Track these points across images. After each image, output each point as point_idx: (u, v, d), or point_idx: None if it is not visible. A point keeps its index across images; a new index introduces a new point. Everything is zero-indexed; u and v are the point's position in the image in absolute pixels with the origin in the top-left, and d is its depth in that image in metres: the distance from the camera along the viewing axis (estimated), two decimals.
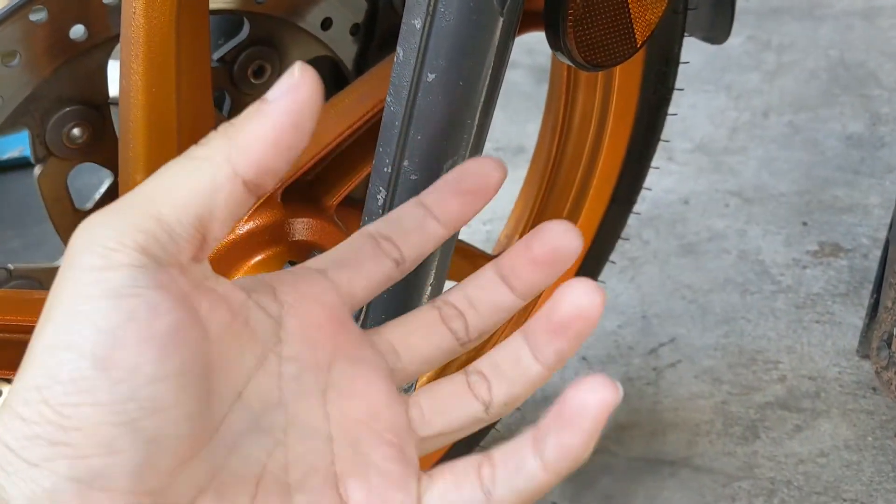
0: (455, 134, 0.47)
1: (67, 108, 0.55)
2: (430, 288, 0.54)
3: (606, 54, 0.51)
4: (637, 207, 1.34)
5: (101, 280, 0.25)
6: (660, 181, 1.42)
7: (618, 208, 0.86)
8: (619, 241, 1.30)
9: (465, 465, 0.31)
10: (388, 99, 0.47)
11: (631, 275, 1.27)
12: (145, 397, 0.25)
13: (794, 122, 1.53)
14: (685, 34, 0.76)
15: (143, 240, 0.26)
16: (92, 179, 0.62)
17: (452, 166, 0.49)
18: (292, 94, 0.27)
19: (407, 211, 0.35)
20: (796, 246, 1.27)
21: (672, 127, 1.61)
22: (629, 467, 1.02)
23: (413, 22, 0.44)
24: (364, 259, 0.34)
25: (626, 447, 1.04)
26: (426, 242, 0.35)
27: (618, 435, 1.05)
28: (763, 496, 0.96)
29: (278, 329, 0.31)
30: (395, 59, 0.46)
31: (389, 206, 0.49)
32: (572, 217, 0.86)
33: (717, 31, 0.78)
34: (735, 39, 1.76)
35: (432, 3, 0.43)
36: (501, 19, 0.42)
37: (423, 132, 0.47)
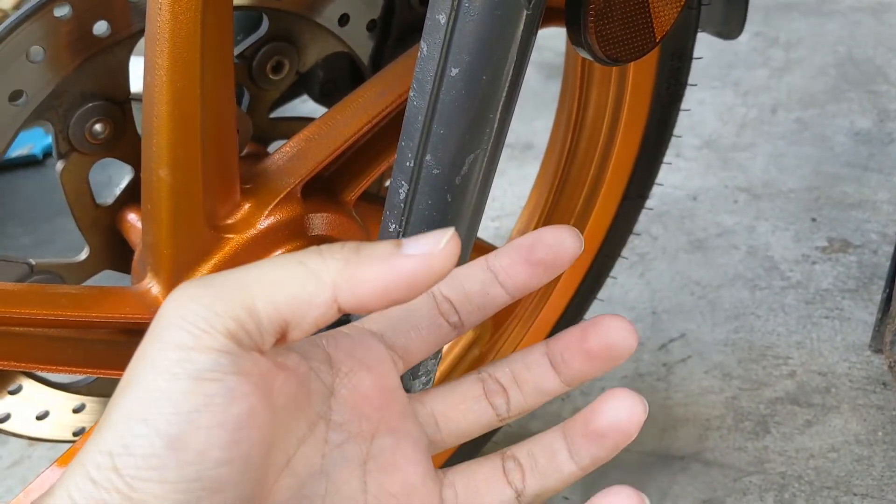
0: (478, 128, 0.48)
1: (90, 104, 0.56)
2: None
3: (626, 49, 0.52)
4: (646, 203, 1.34)
5: (186, 360, 0.26)
6: (668, 177, 1.42)
7: (630, 203, 0.86)
8: (629, 237, 1.31)
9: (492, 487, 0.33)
10: (412, 93, 0.47)
11: (640, 270, 1.27)
12: (210, 478, 0.26)
13: (802, 118, 1.53)
14: (699, 30, 0.77)
15: (234, 327, 0.26)
16: (100, 177, 0.62)
17: (475, 161, 0.49)
18: (428, 258, 0.27)
19: (473, 274, 0.34)
20: (805, 242, 1.28)
21: (680, 123, 1.61)
22: (641, 462, 1.02)
23: (438, 17, 0.44)
24: (423, 322, 0.33)
25: (637, 442, 1.04)
26: (487, 308, 0.34)
27: None
28: (774, 491, 0.97)
29: (330, 397, 0.31)
30: (419, 53, 0.46)
31: (412, 200, 0.50)
32: (584, 212, 0.87)
33: (731, 26, 0.78)
34: (743, 36, 1.76)
35: (457, 0, 0.43)
36: (525, 13, 0.43)
37: (447, 126, 0.47)
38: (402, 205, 0.50)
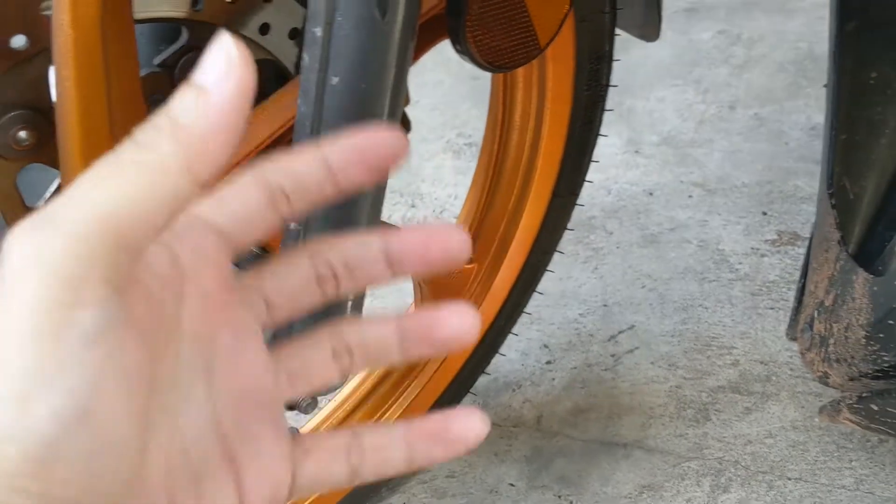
0: None
1: (13, 113, 0.59)
2: None
3: (509, 56, 0.55)
4: (602, 199, 1.38)
5: (71, 321, 0.23)
6: (625, 174, 1.45)
7: (560, 201, 0.89)
8: (584, 233, 1.34)
9: (336, 445, 0.33)
10: (299, 101, 0.50)
11: (594, 265, 1.30)
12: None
13: (759, 114, 1.56)
14: (615, 32, 0.80)
15: (111, 272, 0.24)
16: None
17: None
18: (232, 78, 0.26)
19: (309, 167, 0.31)
20: (755, 235, 1.31)
21: (640, 121, 1.64)
22: (585, 449, 1.06)
23: (314, 30, 0.48)
24: (257, 214, 0.31)
25: (582, 430, 1.08)
26: (317, 204, 0.32)
27: (575, 419, 1.09)
28: (711, 476, 1.00)
29: (181, 305, 0.29)
30: (302, 63, 0.49)
31: None
32: (517, 210, 0.90)
33: (649, 28, 0.81)
34: (705, 34, 1.79)
35: (329, 13, 0.47)
36: (389, 27, 0.46)
37: (333, 132, 0.50)
38: None
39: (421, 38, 0.60)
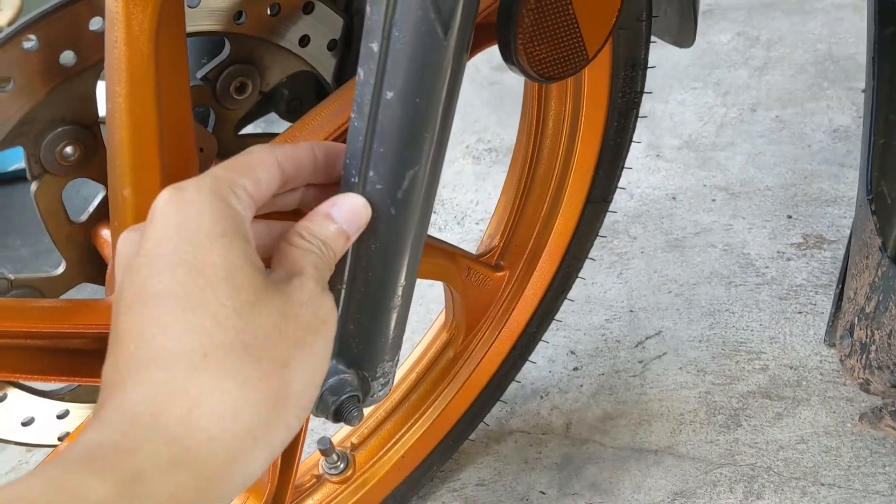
0: (415, 146, 0.51)
1: (60, 128, 0.59)
2: (401, 288, 0.58)
3: (558, 67, 0.55)
4: (625, 204, 1.38)
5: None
6: (648, 178, 1.45)
7: (593, 207, 0.89)
8: (608, 238, 1.34)
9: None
10: (353, 115, 0.50)
11: (619, 270, 1.30)
12: None
13: (781, 116, 1.55)
14: (652, 39, 0.80)
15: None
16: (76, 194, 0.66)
17: (415, 176, 0.53)
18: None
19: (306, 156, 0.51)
20: (781, 238, 1.30)
21: (661, 125, 1.64)
22: (615, 456, 1.05)
23: (371, 45, 0.47)
24: (267, 180, 0.47)
25: (612, 437, 1.08)
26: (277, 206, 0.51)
27: (604, 426, 1.09)
28: (744, 482, 1.00)
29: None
30: (356, 78, 0.49)
31: None
32: (550, 216, 0.90)
33: (683, 35, 0.81)
34: (724, 36, 1.79)
35: (387, 28, 0.46)
36: (447, 43, 0.46)
37: (386, 145, 0.50)
38: None
39: None
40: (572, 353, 1.19)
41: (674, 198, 1.41)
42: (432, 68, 0.47)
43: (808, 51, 1.72)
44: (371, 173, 0.51)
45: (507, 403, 1.13)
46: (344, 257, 0.55)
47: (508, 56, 0.52)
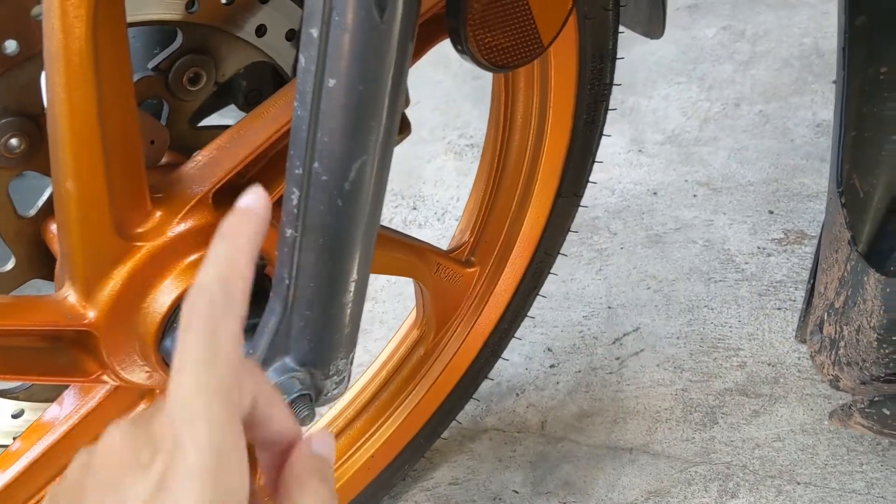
0: (361, 136, 0.49)
1: (4, 119, 0.58)
2: (353, 283, 0.56)
3: (511, 55, 0.53)
4: (606, 200, 1.36)
5: None
6: (629, 173, 1.43)
7: (564, 202, 0.88)
8: (588, 234, 1.32)
9: None
10: (296, 104, 0.49)
11: (598, 266, 1.29)
12: None
13: (765, 111, 1.54)
14: (620, 30, 0.78)
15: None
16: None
17: (362, 167, 0.51)
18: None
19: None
20: (762, 234, 1.29)
21: (644, 119, 1.62)
22: (590, 454, 1.04)
23: (311, 31, 0.46)
24: None
25: (587, 435, 1.06)
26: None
27: (580, 423, 1.07)
28: (719, 480, 0.98)
29: None
30: (298, 65, 0.48)
31: (304, 205, 0.51)
32: (520, 210, 0.88)
33: (653, 25, 0.80)
34: (709, 30, 1.78)
35: (327, 12, 0.45)
36: (389, 27, 0.45)
37: (330, 135, 0.49)
38: (295, 210, 0.52)
39: (420, 38, 0.59)
40: (549, 350, 1.17)
41: (655, 193, 1.40)
42: (374, 54, 0.46)
43: (793, 45, 1.70)
44: (316, 164, 0.50)
45: (483, 401, 1.11)
46: (291, 251, 0.53)
47: (459, 43, 0.51)
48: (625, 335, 1.17)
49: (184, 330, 0.32)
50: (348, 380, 0.62)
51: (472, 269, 0.91)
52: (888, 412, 0.72)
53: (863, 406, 0.73)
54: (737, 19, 1.80)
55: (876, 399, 0.74)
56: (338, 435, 0.93)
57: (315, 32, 0.46)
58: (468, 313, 0.93)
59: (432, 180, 1.53)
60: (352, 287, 0.56)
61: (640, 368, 1.13)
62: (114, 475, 0.31)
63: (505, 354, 1.01)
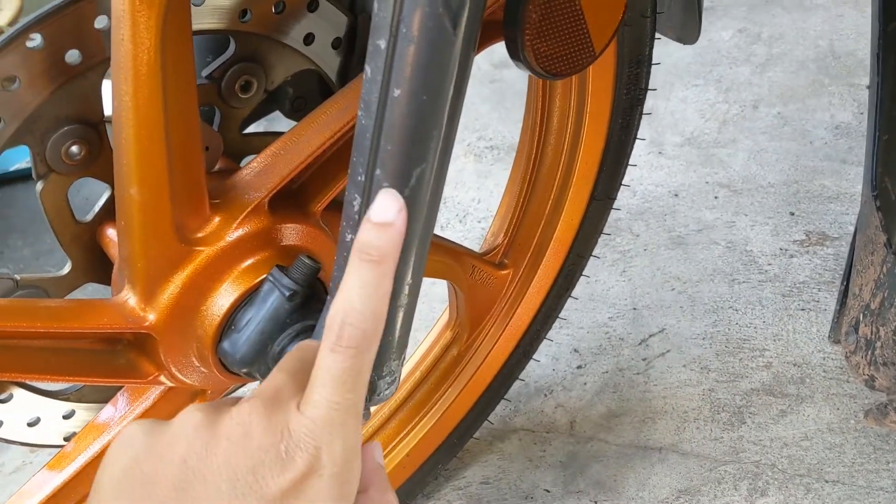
0: (422, 144, 0.51)
1: (66, 127, 0.59)
2: (408, 286, 0.58)
3: (565, 64, 0.55)
4: (628, 201, 1.37)
5: None
6: (650, 175, 1.45)
7: (598, 204, 0.89)
8: (611, 236, 1.33)
9: None
10: (360, 113, 0.50)
11: (622, 268, 1.30)
12: None
13: (782, 113, 1.55)
14: (656, 36, 0.80)
15: None
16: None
17: (422, 174, 0.52)
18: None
19: None
20: (783, 235, 1.30)
21: (662, 121, 1.64)
22: (620, 454, 1.05)
23: (378, 42, 0.47)
24: None
25: (616, 435, 1.08)
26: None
27: (609, 423, 1.09)
28: (748, 479, 1.00)
29: None
30: (363, 76, 0.49)
31: (364, 211, 0.53)
32: (554, 213, 0.90)
33: (687, 31, 0.81)
34: (726, 33, 1.79)
35: (395, 26, 0.46)
36: (456, 39, 0.46)
37: (393, 143, 0.50)
38: (356, 216, 0.53)
39: None
40: (576, 351, 1.19)
41: (676, 195, 1.41)
42: (440, 65, 0.47)
43: (809, 47, 1.72)
44: (378, 171, 0.51)
45: (512, 402, 1.13)
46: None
47: (515, 53, 0.52)
48: (651, 336, 1.19)
49: (330, 349, 0.37)
50: (399, 380, 0.64)
51: (505, 272, 0.92)
52: None
53: None
54: (752, 22, 1.81)
55: None
56: (373, 435, 0.94)
57: (382, 44, 0.47)
58: (501, 315, 0.95)
59: (453, 182, 1.54)
60: (406, 290, 0.58)
61: (667, 369, 1.14)
62: (250, 454, 0.35)
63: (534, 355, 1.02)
